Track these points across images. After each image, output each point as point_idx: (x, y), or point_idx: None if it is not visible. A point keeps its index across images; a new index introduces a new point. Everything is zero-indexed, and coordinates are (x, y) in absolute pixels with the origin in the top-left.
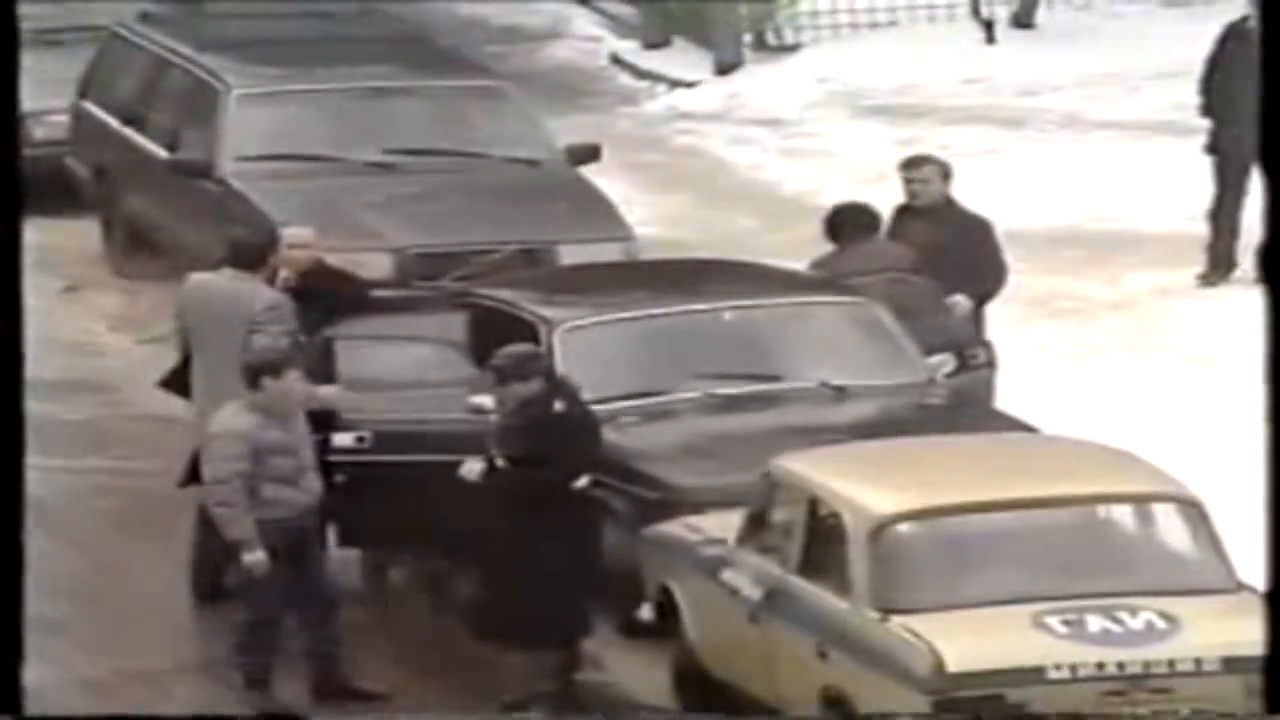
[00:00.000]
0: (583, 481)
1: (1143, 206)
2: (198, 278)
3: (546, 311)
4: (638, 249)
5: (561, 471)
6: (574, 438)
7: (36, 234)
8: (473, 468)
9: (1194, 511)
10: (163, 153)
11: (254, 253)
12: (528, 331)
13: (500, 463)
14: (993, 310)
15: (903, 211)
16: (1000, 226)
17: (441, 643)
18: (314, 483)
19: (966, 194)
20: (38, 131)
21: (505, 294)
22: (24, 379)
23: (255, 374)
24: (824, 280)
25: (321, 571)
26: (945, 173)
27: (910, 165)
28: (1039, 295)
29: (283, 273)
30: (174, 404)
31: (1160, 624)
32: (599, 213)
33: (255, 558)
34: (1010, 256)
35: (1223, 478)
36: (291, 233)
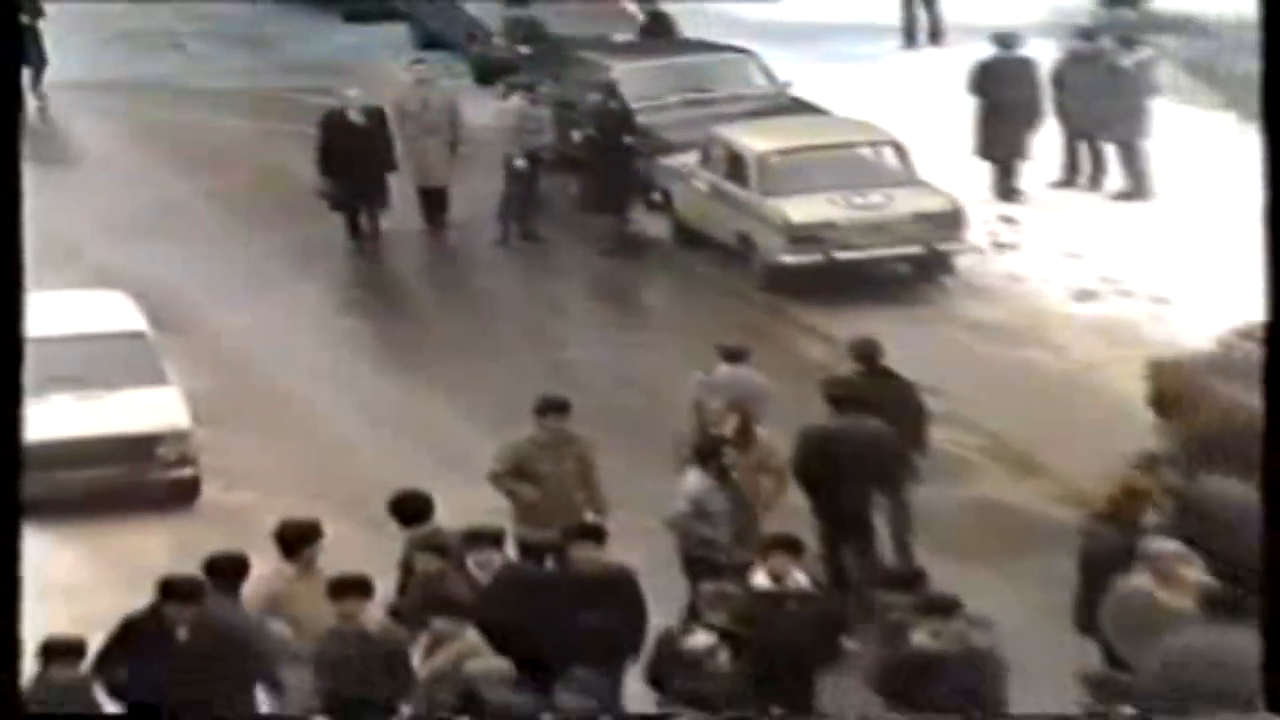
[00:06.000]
0: (628, 140)
1: None
2: None
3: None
4: None
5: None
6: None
7: None
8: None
9: (899, 148)
10: None
11: None
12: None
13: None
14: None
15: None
16: None
17: (564, 210)
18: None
19: None
20: None
21: None
22: (22, 384)
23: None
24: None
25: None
26: None
27: None
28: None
29: None
30: None
31: (881, 199)
32: None
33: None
34: None
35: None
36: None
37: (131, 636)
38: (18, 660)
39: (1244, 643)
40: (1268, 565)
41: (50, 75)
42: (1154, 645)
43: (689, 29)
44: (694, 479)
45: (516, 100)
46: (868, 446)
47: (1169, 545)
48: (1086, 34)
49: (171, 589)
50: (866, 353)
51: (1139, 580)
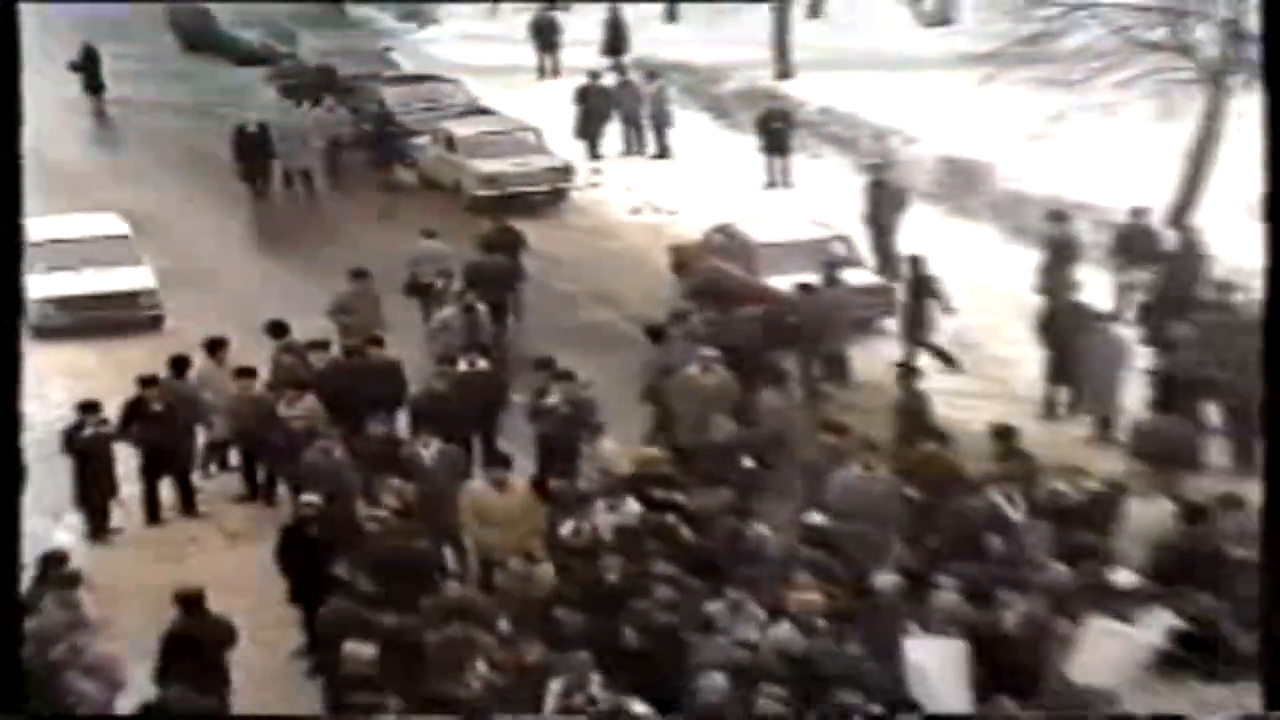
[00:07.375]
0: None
1: None
2: None
3: None
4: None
5: None
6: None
7: None
8: None
9: (537, 133)
10: None
11: None
12: None
13: None
14: None
15: None
16: None
17: (359, 169)
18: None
19: None
20: None
21: None
22: (21, 380)
23: None
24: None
25: None
26: None
27: None
28: None
29: None
30: None
31: (529, 160)
32: None
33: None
34: None
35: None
36: None
37: (131, 411)
38: (19, 656)
39: (767, 398)
40: (1267, 563)
41: (72, 94)
42: (694, 411)
43: (421, 68)
44: (447, 310)
45: (319, 111)
46: (498, 269)
47: (709, 351)
48: (619, 70)
49: (143, 381)
50: (499, 227)
51: (691, 369)
